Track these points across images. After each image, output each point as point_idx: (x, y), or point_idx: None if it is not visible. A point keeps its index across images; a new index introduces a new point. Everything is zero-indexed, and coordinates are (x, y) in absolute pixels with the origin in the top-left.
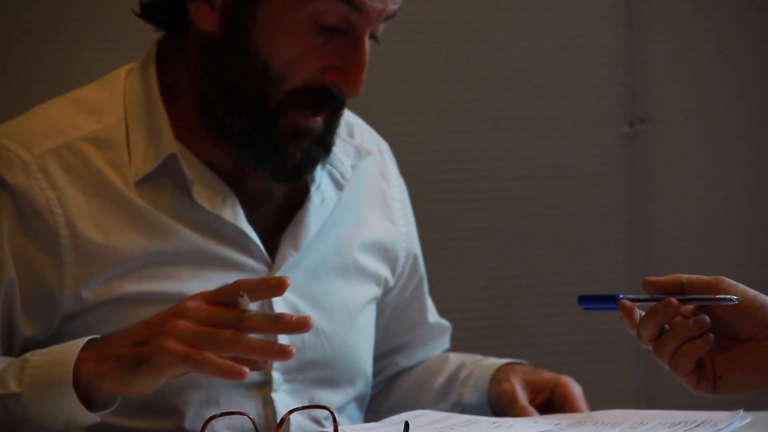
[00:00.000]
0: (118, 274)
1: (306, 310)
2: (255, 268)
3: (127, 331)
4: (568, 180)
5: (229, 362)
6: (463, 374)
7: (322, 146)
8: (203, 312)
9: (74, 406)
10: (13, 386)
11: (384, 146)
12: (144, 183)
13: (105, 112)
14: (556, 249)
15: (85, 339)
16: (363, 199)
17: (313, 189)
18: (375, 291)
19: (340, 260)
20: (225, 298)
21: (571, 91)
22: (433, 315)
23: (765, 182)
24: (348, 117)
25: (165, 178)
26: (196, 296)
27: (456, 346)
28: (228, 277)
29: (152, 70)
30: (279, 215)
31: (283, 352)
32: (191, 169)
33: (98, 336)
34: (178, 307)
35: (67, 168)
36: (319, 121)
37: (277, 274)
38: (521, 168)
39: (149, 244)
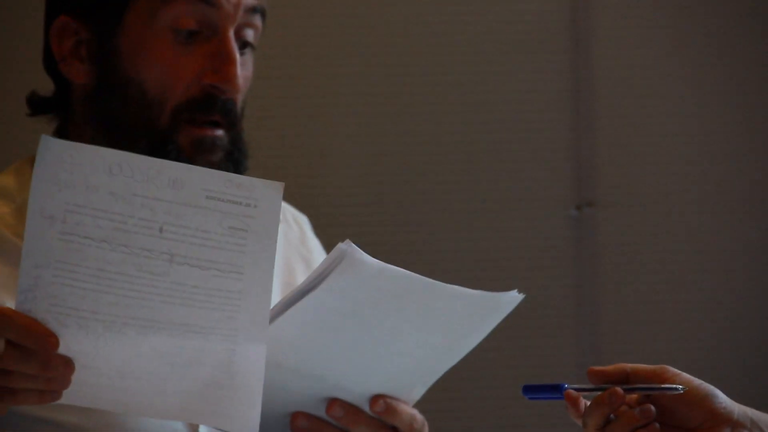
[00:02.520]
0: None
1: None
2: None
3: None
4: (514, 262)
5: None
6: None
7: (232, 162)
8: None
9: None
10: None
11: (301, 217)
12: None
13: (14, 194)
14: (500, 332)
15: None
16: (285, 266)
17: None
18: None
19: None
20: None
21: (517, 173)
22: None
23: (711, 266)
24: None
25: None
26: None
27: None
28: None
29: None
30: None
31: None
32: None
33: None
34: None
35: None
36: (219, 133)
37: None
38: (467, 250)
39: None
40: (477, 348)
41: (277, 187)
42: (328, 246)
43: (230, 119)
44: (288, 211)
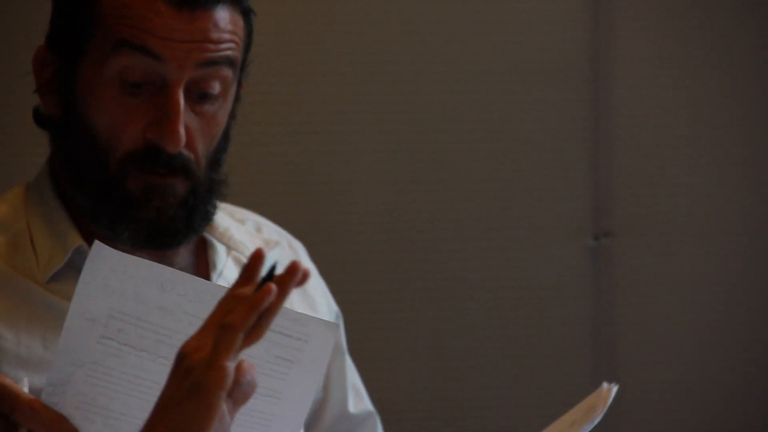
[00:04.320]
0: (30, 372)
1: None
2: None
3: None
4: (531, 291)
5: None
6: None
7: (185, 209)
8: None
9: None
10: None
11: (296, 243)
12: (55, 281)
13: (8, 224)
14: (518, 361)
15: None
16: None
17: (214, 276)
18: None
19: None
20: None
21: (535, 202)
22: (355, 404)
23: (731, 297)
24: (257, 218)
25: (75, 273)
26: None
27: None
28: None
29: (46, 180)
30: None
31: None
32: None
33: None
34: None
35: None
36: (172, 182)
37: None
38: (484, 279)
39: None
40: (492, 380)
41: (332, 327)
42: (345, 261)
43: (178, 172)
44: (283, 235)
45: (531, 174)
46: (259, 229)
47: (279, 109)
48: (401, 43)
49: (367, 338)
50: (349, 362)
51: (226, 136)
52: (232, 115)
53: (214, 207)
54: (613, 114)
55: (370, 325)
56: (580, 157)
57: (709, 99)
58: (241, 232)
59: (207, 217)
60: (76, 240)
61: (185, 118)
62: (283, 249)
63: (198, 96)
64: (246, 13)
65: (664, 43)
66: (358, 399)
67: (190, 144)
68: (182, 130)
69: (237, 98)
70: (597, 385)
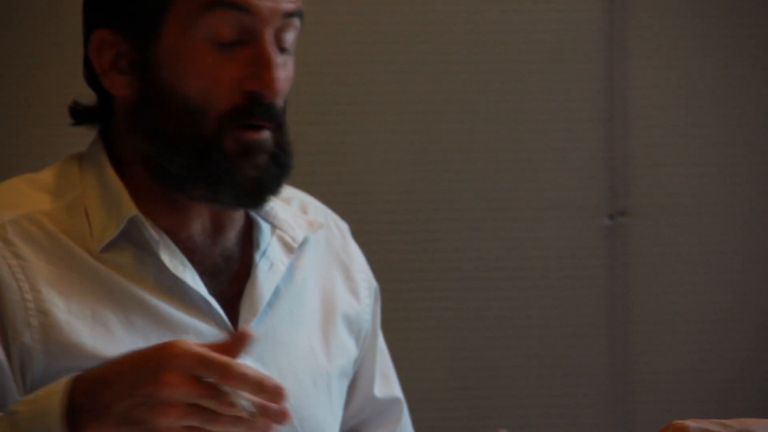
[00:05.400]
0: (82, 341)
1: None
2: (217, 335)
3: (115, 385)
4: (547, 272)
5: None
6: None
7: (277, 165)
8: (193, 388)
9: None
10: None
11: (342, 224)
12: (107, 251)
13: (63, 192)
14: (533, 341)
15: (64, 382)
16: (325, 271)
17: (257, 256)
18: (345, 364)
19: (308, 330)
20: (213, 375)
21: (551, 182)
22: (381, 388)
23: (747, 276)
24: (304, 197)
25: (127, 245)
26: (184, 353)
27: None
28: None
29: (102, 154)
30: (237, 285)
31: (281, 415)
32: (154, 232)
33: (77, 375)
34: (165, 366)
35: (28, 237)
36: (265, 135)
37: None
38: (499, 258)
39: (111, 311)
40: (508, 359)
41: None
42: (364, 243)
43: (275, 122)
44: (330, 216)
45: (546, 154)
46: (305, 209)
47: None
48: (417, 24)
49: (386, 319)
50: (381, 345)
51: None
52: None
53: (292, 160)
54: (629, 94)
55: (387, 305)
56: (596, 136)
57: (724, 78)
58: (286, 212)
59: (287, 172)
60: (132, 210)
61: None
62: (330, 230)
63: (278, 48)
64: None
65: (678, 22)
66: (385, 383)
67: (282, 94)
68: (281, 77)
69: None
70: (612, 365)
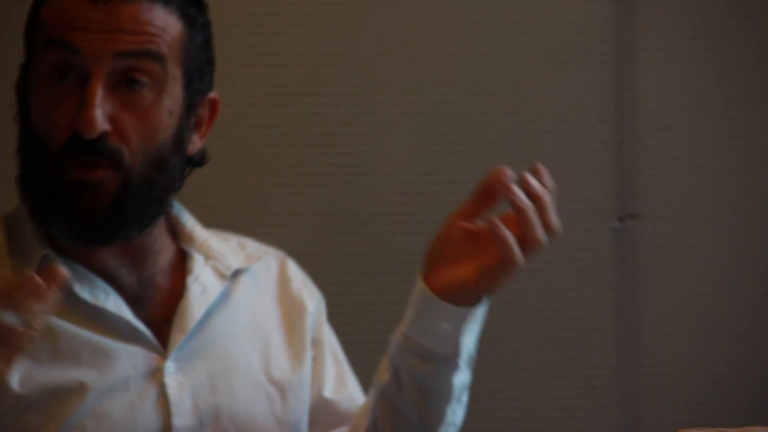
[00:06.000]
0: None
1: (207, 396)
2: (147, 357)
3: None
4: (556, 274)
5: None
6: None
7: (117, 204)
8: None
9: None
10: None
11: (281, 254)
12: None
13: None
14: (542, 343)
15: None
16: (265, 295)
17: (190, 280)
18: (290, 378)
19: (244, 347)
20: None
21: (560, 184)
22: (330, 390)
23: (756, 279)
24: (242, 238)
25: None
26: None
27: None
28: (124, 367)
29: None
30: (165, 310)
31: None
32: (66, 268)
33: None
34: None
35: None
36: (100, 174)
37: (170, 361)
38: None
39: (38, 345)
40: (517, 361)
41: None
42: (371, 243)
43: (110, 162)
44: (270, 250)
45: (555, 156)
46: (242, 246)
47: (300, 100)
48: (426, 25)
49: (391, 320)
50: (327, 352)
51: (178, 140)
52: (186, 124)
53: (156, 206)
54: (638, 95)
55: (392, 307)
56: (605, 139)
57: (734, 80)
58: (222, 245)
59: (143, 214)
60: (42, 250)
61: (110, 108)
62: (268, 258)
63: (127, 85)
64: (188, 20)
65: (688, 24)
66: (339, 386)
67: (119, 134)
68: (97, 114)
69: (192, 105)
70: (621, 367)
